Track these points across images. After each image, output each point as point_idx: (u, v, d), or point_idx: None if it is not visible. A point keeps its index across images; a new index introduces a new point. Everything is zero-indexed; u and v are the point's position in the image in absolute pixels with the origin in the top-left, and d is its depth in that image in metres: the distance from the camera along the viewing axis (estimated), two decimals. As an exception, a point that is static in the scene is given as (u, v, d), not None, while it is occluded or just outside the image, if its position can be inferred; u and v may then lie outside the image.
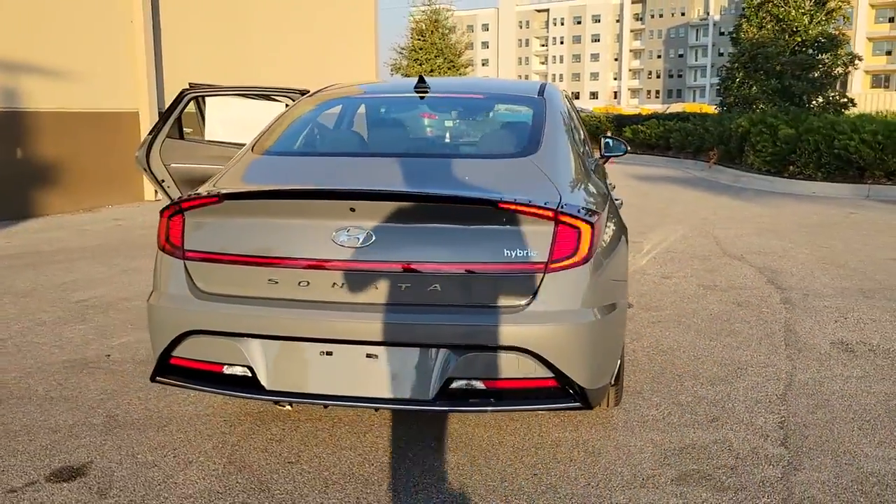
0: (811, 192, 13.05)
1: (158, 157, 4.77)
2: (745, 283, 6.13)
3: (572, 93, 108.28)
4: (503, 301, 2.57)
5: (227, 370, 2.76)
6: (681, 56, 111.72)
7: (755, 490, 2.78)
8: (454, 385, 2.57)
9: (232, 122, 4.89)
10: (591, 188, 3.14)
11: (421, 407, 2.61)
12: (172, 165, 4.76)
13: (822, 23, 19.85)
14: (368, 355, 2.60)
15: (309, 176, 3.08)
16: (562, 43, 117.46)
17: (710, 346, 4.47)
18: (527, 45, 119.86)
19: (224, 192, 2.72)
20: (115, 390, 3.74)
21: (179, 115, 4.86)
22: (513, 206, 2.53)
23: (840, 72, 20.38)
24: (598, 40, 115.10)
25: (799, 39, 19.92)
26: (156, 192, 4.59)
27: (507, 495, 2.73)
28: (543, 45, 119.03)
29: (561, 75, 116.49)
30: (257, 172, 3.17)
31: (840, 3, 20.14)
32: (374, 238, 2.59)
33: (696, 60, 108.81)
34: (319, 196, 2.67)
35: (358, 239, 2.59)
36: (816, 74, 20.01)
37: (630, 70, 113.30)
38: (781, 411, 3.51)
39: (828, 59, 20.04)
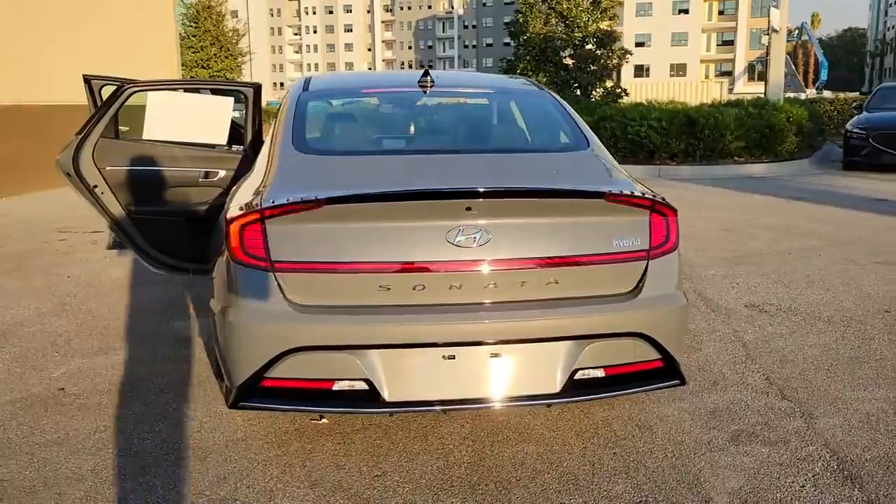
0: (612, 173, 14.35)
1: (91, 159, 4.16)
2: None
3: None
4: (618, 290, 2.69)
5: (337, 386, 2.59)
6: (430, 47, 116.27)
7: (797, 440, 3.15)
8: (578, 376, 2.64)
9: (175, 119, 4.42)
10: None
11: (548, 401, 2.65)
12: (108, 169, 4.19)
13: (599, 19, 21.95)
14: (493, 355, 2.58)
15: (391, 175, 2.94)
16: (315, 32, 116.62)
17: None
18: (280, 33, 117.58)
19: (326, 196, 2.53)
20: (109, 427, 3.30)
21: (116, 113, 4.28)
22: (619, 198, 2.64)
23: (615, 64, 22.67)
24: (351, 30, 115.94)
25: (580, 35, 21.85)
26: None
27: (611, 477, 2.85)
28: (297, 34, 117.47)
29: (316, 64, 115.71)
30: (326, 174, 2.96)
31: (611, 2, 22.36)
32: (490, 236, 2.57)
33: (445, 52, 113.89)
34: (432, 196, 2.59)
35: (475, 238, 2.56)
36: (595, 67, 22.11)
37: (384, 60, 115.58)
38: (759, 369, 3.96)
39: (604, 53, 22.23)
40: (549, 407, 3.20)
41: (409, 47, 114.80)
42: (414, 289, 2.59)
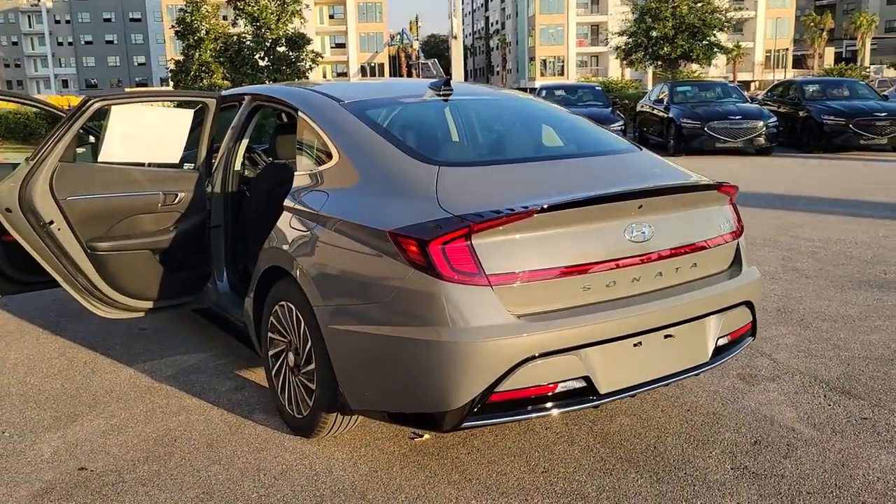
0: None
1: (48, 189, 3.24)
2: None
3: None
4: (726, 267, 3.20)
5: (561, 387, 2.68)
6: (15, 44, 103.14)
7: None
8: (718, 343, 3.08)
9: (134, 136, 3.63)
10: None
11: (703, 370, 3.04)
12: (69, 199, 3.30)
13: (288, 21, 21.70)
14: (666, 336, 2.90)
15: (542, 183, 3.01)
16: None
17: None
18: None
19: (538, 206, 2.59)
20: None
21: (77, 132, 3.36)
22: (722, 189, 3.14)
23: (307, 67, 22.63)
24: None
25: (272, 37, 21.38)
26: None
27: (707, 462, 3.35)
28: None
29: None
30: (476, 185, 2.91)
31: (294, 4, 22.27)
32: (653, 230, 2.88)
33: (34, 49, 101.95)
34: (612, 199, 2.80)
35: (643, 233, 2.85)
36: (289, 70, 21.86)
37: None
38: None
39: (296, 56, 22.07)
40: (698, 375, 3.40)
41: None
42: (607, 286, 2.79)
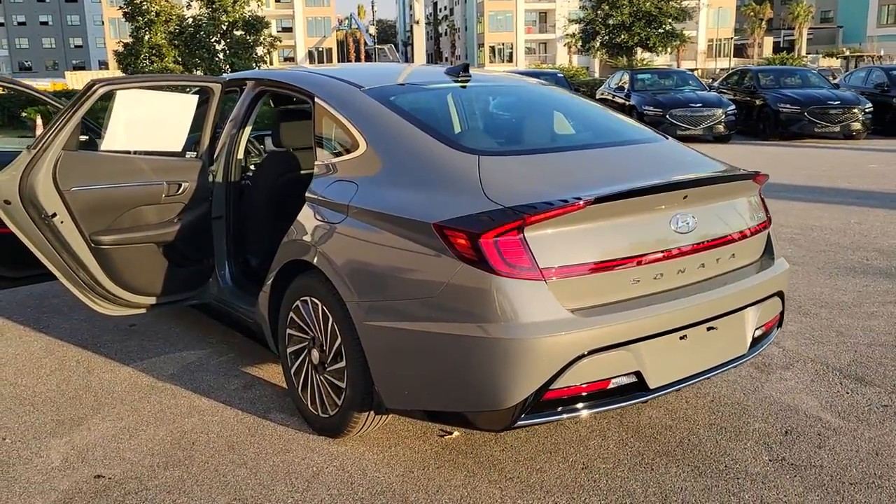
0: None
1: (52, 180, 2.99)
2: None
3: None
4: (758, 257, 3.18)
5: (613, 383, 2.62)
6: None
7: None
8: (756, 334, 3.07)
9: (138, 123, 3.39)
10: None
11: (741, 361, 3.02)
12: (73, 190, 3.06)
13: (245, 4, 21.08)
14: (709, 328, 2.87)
15: (589, 172, 2.93)
16: None
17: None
18: None
19: (590, 196, 2.52)
20: None
21: (81, 119, 3.11)
22: (757, 178, 3.11)
23: (264, 51, 22.07)
24: None
25: (228, 20, 20.71)
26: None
27: (744, 454, 3.35)
28: None
29: None
30: (521, 175, 2.82)
31: None
32: (696, 220, 2.84)
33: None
34: (661, 190, 2.75)
35: (688, 224, 2.81)
36: (247, 54, 21.25)
37: None
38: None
39: (254, 39, 21.48)
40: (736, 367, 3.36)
41: None
42: (654, 278, 2.74)
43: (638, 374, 2.67)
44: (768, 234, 3.26)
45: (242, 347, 4.16)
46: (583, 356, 2.53)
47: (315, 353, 3.15)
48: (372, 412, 2.97)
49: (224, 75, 4.04)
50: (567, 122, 3.71)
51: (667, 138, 3.52)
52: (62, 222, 3.21)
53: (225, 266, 3.95)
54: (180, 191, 3.61)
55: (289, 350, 3.33)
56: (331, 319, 3.00)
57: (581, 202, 2.51)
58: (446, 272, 2.57)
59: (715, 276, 2.94)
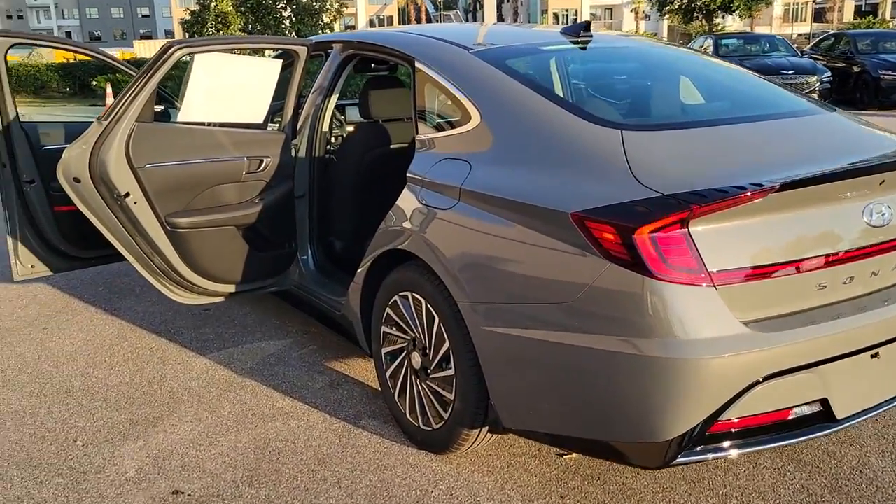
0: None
1: (124, 156, 2.67)
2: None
3: None
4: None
5: (794, 413, 2.14)
6: (21, 17, 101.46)
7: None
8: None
9: (217, 91, 3.04)
10: None
11: None
12: (148, 167, 2.73)
13: None
14: (902, 345, 2.35)
15: (759, 151, 2.41)
16: None
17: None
18: None
19: (774, 183, 2.02)
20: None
21: (157, 86, 2.78)
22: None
23: (330, 18, 21.84)
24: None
25: None
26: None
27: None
28: None
29: None
30: (677, 153, 2.32)
31: None
32: (892, 211, 2.31)
33: (37, 0, 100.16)
34: (857, 174, 2.24)
35: (883, 215, 2.28)
36: (312, 22, 21.08)
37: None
38: None
39: (319, 6, 21.28)
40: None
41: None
42: (844, 283, 2.23)
43: (824, 401, 2.17)
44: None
45: (325, 339, 3.79)
46: (763, 380, 2.04)
47: (416, 357, 2.74)
48: (485, 429, 2.56)
49: (310, 38, 3.62)
50: (715, 90, 3.17)
51: (834, 109, 2.95)
52: (136, 203, 2.86)
53: (308, 250, 3.57)
54: (262, 167, 3.23)
55: (384, 350, 2.93)
56: (437, 320, 2.58)
57: (762, 190, 2.01)
58: (588, 273, 2.11)
59: None
